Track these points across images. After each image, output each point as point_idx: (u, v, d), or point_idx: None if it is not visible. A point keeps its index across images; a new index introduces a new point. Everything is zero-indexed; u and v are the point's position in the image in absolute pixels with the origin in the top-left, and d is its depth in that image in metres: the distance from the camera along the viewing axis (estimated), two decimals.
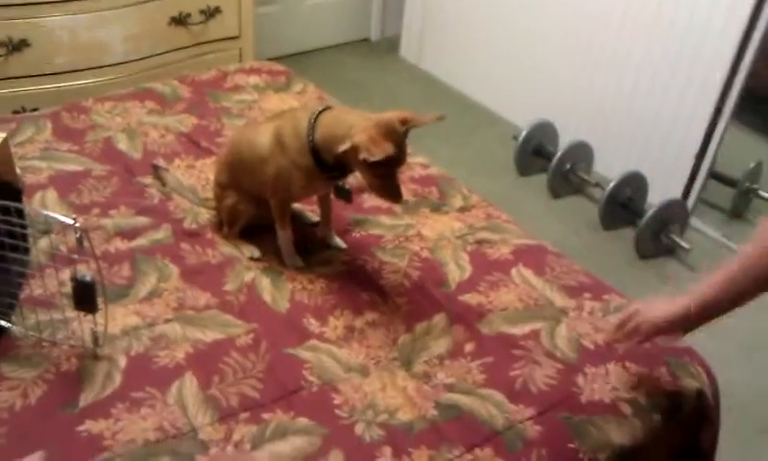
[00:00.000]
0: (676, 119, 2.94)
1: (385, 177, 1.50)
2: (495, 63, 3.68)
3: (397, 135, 1.47)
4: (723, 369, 1.68)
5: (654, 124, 3.02)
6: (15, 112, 2.55)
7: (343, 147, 1.48)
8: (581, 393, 1.43)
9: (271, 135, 1.63)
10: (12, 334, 1.43)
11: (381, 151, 1.41)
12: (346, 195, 1.78)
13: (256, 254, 1.72)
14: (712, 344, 1.95)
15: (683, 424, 1.50)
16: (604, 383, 1.45)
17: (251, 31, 3.16)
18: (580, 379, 1.46)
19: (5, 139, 1.58)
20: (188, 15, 2.95)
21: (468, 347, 1.52)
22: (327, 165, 1.56)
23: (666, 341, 1.48)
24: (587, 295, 1.69)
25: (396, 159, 1.46)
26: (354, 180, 1.78)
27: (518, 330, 1.56)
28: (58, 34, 2.66)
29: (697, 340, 1.70)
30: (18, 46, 2.59)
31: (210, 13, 3.00)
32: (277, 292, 1.62)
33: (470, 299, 1.65)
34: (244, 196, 1.72)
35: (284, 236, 1.70)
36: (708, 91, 2.78)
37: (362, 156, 1.43)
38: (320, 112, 1.57)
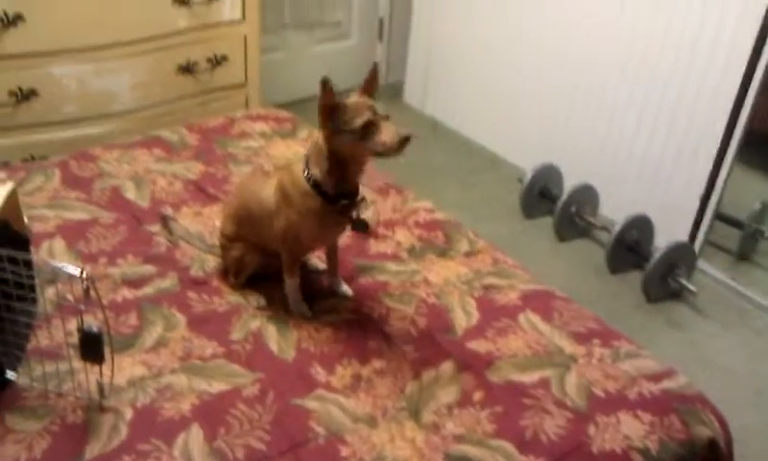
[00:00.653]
0: (680, 161, 2.95)
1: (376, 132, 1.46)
2: (498, 107, 3.71)
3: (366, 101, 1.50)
4: (736, 416, 1.66)
5: (658, 166, 3.03)
6: (24, 161, 2.57)
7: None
8: (592, 443, 1.41)
9: (275, 189, 1.63)
10: (18, 385, 1.42)
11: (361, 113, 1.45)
12: (362, 226, 1.76)
13: (262, 302, 1.72)
14: (725, 390, 1.93)
15: None
16: (615, 432, 1.43)
17: (257, 78, 3.20)
18: (591, 429, 1.44)
19: (13, 189, 1.59)
20: (195, 64, 2.99)
21: (477, 395, 1.50)
22: (332, 197, 1.56)
23: None
24: (596, 341, 1.67)
25: (376, 113, 1.47)
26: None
27: (528, 378, 1.55)
28: (66, 83, 2.70)
29: (708, 386, 1.68)
30: (27, 96, 2.63)
31: (217, 61, 3.05)
32: (284, 340, 1.61)
33: (478, 346, 1.63)
34: (250, 247, 1.72)
35: (291, 284, 1.69)
36: (711, 132, 2.79)
37: (357, 123, 1.44)
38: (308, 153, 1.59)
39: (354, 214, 1.63)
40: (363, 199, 1.63)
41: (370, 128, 1.45)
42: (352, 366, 1.56)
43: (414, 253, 1.93)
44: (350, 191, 1.58)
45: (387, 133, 1.45)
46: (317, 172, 1.55)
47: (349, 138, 1.47)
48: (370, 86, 1.56)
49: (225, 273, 1.79)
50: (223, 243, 1.78)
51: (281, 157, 2.32)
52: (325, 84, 1.46)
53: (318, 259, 1.86)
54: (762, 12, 2.55)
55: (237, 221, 1.74)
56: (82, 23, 2.65)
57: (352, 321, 1.69)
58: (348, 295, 1.76)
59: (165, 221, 1.94)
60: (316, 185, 1.55)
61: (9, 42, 2.53)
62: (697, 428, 1.49)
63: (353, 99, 1.51)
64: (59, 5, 2.58)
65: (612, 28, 3.07)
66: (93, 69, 2.74)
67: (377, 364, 1.57)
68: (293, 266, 1.68)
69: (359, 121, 1.45)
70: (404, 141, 1.45)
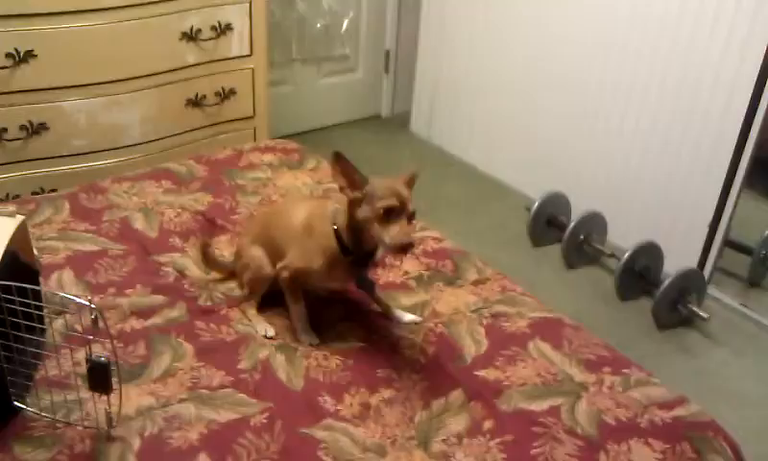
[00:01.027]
0: (688, 187, 2.95)
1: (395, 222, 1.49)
2: (505, 136, 3.73)
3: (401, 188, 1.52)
4: (750, 443, 1.64)
5: (666, 193, 3.03)
6: (34, 194, 2.60)
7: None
8: None
9: (305, 216, 1.69)
10: (27, 415, 1.42)
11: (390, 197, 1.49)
12: (369, 287, 1.79)
13: (270, 332, 1.71)
14: (737, 417, 1.90)
15: None
16: None
17: (264, 110, 3.24)
18: (602, 457, 1.42)
19: (23, 221, 1.60)
20: (204, 97, 3.03)
21: (487, 424, 1.49)
22: (348, 249, 1.61)
23: None
24: (606, 369, 1.66)
25: (403, 204, 1.49)
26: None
27: (538, 407, 1.54)
28: (76, 117, 2.73)
29: (721, 412, 1.66)
30: (37, 130, 2.66)
31: (225, 95, 3.08)
32: (292, 370, 1.61)
33: (487, 374, 1.62)
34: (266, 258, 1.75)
35: (297, 310, 1.70)
36: (718, 159, 2.80)
37: (379, 204, 1.48)
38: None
39: (363, 272, 1.69)
40: (377, 262, 1.69)
41: (390, 215, 1.48)
42: (361, 395, 1.55)
43: (422, 282, 1.93)
44: (365, 253, 1.62)
45: (397, 231, 1.47)
46: (340, 221, 1.60)
47: (367, 212, 1.51)
48: (411, 182, 1.58)
49: (237, 301, 1.80)
50: (241, 246, 1.82)
51: (290, 188, 2.33)
52: (338, 156, 1.52)
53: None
54: (767, 39, 2.56)
55: (261, 232, 1.78)
56: (92, 59, 2.69)
57: (361, 349, 1.68)
58: (416, 321, 1.77)
59: (204, 247, 1.92)
60: (336, 233, 1.60)
61: (20, 78, 2.57)
62: (710, 456, 1.47)
63: (391, 183, 1.53)
64: (69, 41, 2.62)
65: (619, 56, 3.09)
66: (103, 103, 2.77)
67: (386, 393, 1.56)
68: (295, 292, 1.70)
69: (383, 204, 1.48)
70: (406, 247, 1.48)
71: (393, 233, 1.47)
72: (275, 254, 1.73)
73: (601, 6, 3.12)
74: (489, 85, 3.75)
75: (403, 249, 1.48)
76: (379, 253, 1.64)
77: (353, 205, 1.55)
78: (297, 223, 1.69)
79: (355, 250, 1.61)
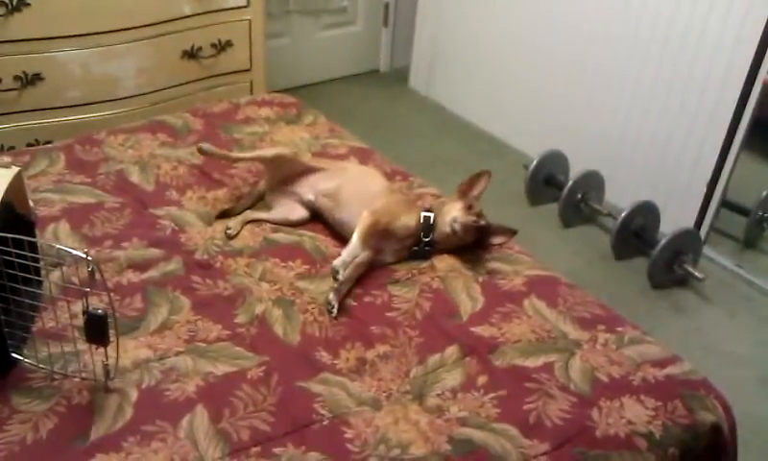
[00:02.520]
0: (687, 148, 2.94)
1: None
2: (504, 93, 3.70)
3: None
4: (741, 403, 1.66)
5: (665, 153, 3.02)
6: (29, 145, 2.58)
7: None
8: (596, 427, 1.41)
9: (401, 196, 1.98)
10: (24, 367, 1.43)
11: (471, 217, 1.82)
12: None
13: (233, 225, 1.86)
14: (730, 376, 1.93)
15: (699, 459, 1.47)
16: (619, 417, 1.43)
17: (261, 63, 3.20)
18: (594, 413, 1.44)
19: (18, 173, 1.59)
20: (200, 49, 2.99)
21: (481, 380, 1.50)
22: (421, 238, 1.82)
23: None
24: (600, 327, 1.67)
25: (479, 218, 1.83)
26: None
27: (531, 363, 1.55)
28: (71, 68, 2.70)
29: (713, 372, 1.68)
30: (32, 80, 2.63)
31: (222, 47, 3.04)
32: (289, 324, 1.61)
33: (483, 331, 1.63)
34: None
35: (354, 247, 1.71)
36: (718, 119, 2.78)
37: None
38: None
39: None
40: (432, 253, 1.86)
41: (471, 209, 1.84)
42: (357, 350, 1.56)
43: None
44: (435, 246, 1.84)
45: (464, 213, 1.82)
46: (435, 215, 1.84)
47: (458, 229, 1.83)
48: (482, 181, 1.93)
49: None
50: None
51: (287, 142, 2.32)
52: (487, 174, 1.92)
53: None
54: None
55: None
56: (86, 8, 2.65)
57: (357, 306, 1.69)
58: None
59: (201, 150, 2.01)
60: (425, 219, 1.82)
61: (14, 27, 2.53)
62: (701, 414, 1.49)
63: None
64: None
65: (621, 13, 3.05)
66: (98, 54, 2.74)
67: (382, 348, 1.57)
68: (366, 236, 1.74)
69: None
70: (475, 224, 1.81)
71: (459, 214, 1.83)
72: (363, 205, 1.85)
73: None
74: (489, 42, 3.71)
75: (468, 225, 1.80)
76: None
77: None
78: (395, 191, 1.96)
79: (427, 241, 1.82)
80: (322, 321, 1.63)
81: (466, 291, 1.75)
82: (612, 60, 3.13)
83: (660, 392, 1.50)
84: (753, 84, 2.65)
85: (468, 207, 1.84)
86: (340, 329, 1.61)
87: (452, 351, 1.57)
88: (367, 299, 1.71)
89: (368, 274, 1.78)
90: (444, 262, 1.84)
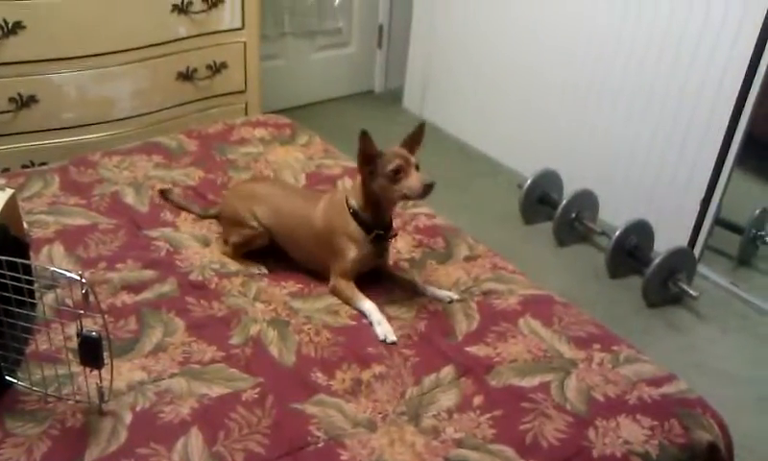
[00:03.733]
0: (680, 166, 2.95)
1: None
2: (498, 113, 3.71)
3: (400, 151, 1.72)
4: (737, 421, 1.65)
5: (658, 172, 3.03)
6: (24, 167, 2.58)
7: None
8: (592, 447, 1.41)
9: (322, 212, 1.81)
10: (18, 390, 1.42)
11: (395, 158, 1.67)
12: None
13: (263, 269, 1.83)
14: (725, 395, 1.92)
15: None
16: (615, 437, 1.43)
17: (256, 85, 3.21)
18: (591, 433, 1.43)
19: (13, 195, 1.59)
20: (195, 71, 3.00)
21: (477, 400, 1.50)
22: (368, 226, 1.74)
23: None
24: (596, 346, 1.67)
25: (407, 161, 1.68)
26: None
27: (527, 383, 1.55)
28: (66, 90, 2.71)
29: (708, 390, 1.68)
30: (27, 102, 2.63)
31: (217, 69, 3.05)
32: (284, 345, 1.61)
33: (478, 350, 1.63)
34: (265, 235, 1.85)
35: (367, 307, 1.71)
36: (710, 138, 2.80)
37: (388, 169, 1.66)
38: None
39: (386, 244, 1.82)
40: (395, 234, 1.85)
41: (399, 173, 1.66)
42: (352, 371, 1.56)
43: (414, 261, 1.93)
44: (385, 226, 1.78)
45: (414, 180, 1.66)
46: (355, 204, 1.75)
47: (382, 181, 1.68)
48: (412, 141, 1.74)
49: (224, 241, 1.91)
50: (241, 219, 1.85)
51: (280, 163, 2.32)
52: (364, 135, 1.67)
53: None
54: (762, 18, 2.56)
55: (273, 217, 1.85)
56: (82, 30, 2.66)
57: (353, 326, 1.69)
58: (451, 298, 1.79)
59: (166, 194, 2.08)
60: (355, 214, 1.75)
61: (9, 50, 2.53)
62: (697, 433, 1.49)
63: (391, 149, 1.70)
64: (59, 12, 2.59)
65: (613, 33, 3.07)
66: (93, 76, 2.74)
67: (377, 369, 1.56)
68: (353, 293, 1.75)
69: (391, 167, 1.66)
70: (428, 188, 1.66)
71: (410, 184, 1.66)
72: (292, 243, 1.86)
73: None
74: (482, 62, 3.73)
75: (425, 191, 1.66)
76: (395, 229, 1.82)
77: (369, 179, 1.70)
78: (319, 225, 1.79)
79: (375, 224, 1.75)
80: (317, 342, 1.63)
81: (461, 311, 1.75)
82: (604, 79, 3.15)
83: (656, 411, 1.50)
84: (744, 101, 2.67)
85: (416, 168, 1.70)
86: (336, 350, 1.61)
87: (448, 371, 1.57)
88: (364, 319, 1.71)
89: (365, 293, 1.77)
90: (439, 282, 1.84)
